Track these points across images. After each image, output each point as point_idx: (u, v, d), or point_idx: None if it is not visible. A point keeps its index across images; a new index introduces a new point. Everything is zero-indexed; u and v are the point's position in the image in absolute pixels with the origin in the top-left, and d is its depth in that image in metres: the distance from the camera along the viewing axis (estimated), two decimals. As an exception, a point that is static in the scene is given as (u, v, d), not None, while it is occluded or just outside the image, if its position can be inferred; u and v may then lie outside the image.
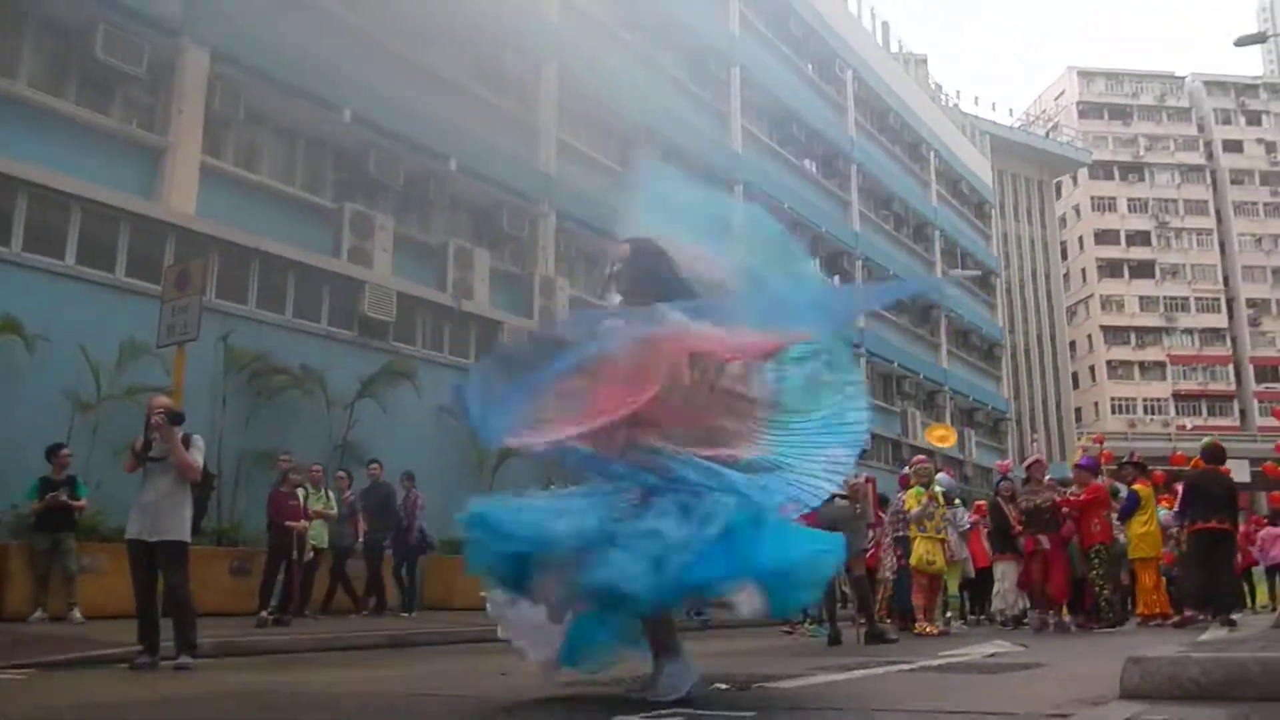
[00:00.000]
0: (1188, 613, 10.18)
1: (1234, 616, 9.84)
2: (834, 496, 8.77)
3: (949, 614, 10.92)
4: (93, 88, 12.92)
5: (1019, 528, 10.61)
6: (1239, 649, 3.19)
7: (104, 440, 10.73)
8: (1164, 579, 11.44)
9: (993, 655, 6.37)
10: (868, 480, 9.20)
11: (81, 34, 12.55)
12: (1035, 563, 10.10)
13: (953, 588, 11.27)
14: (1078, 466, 10.81)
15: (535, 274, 18.16)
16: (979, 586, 12.42)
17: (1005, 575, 11.16)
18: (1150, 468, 12.79)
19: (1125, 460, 12.11)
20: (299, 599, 10.34)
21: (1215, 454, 10.32)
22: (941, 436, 11.11)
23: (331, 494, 11.39)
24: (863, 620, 8.55)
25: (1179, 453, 16.46)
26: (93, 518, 10.07)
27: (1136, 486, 10.92)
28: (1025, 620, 11.00)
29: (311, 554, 10.45)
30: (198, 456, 6.54)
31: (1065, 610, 10.53)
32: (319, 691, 4.95)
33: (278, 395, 12.87)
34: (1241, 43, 21.88)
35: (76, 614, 9.22)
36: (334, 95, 15.23)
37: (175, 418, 6.52)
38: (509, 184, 18.06)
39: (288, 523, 10.13)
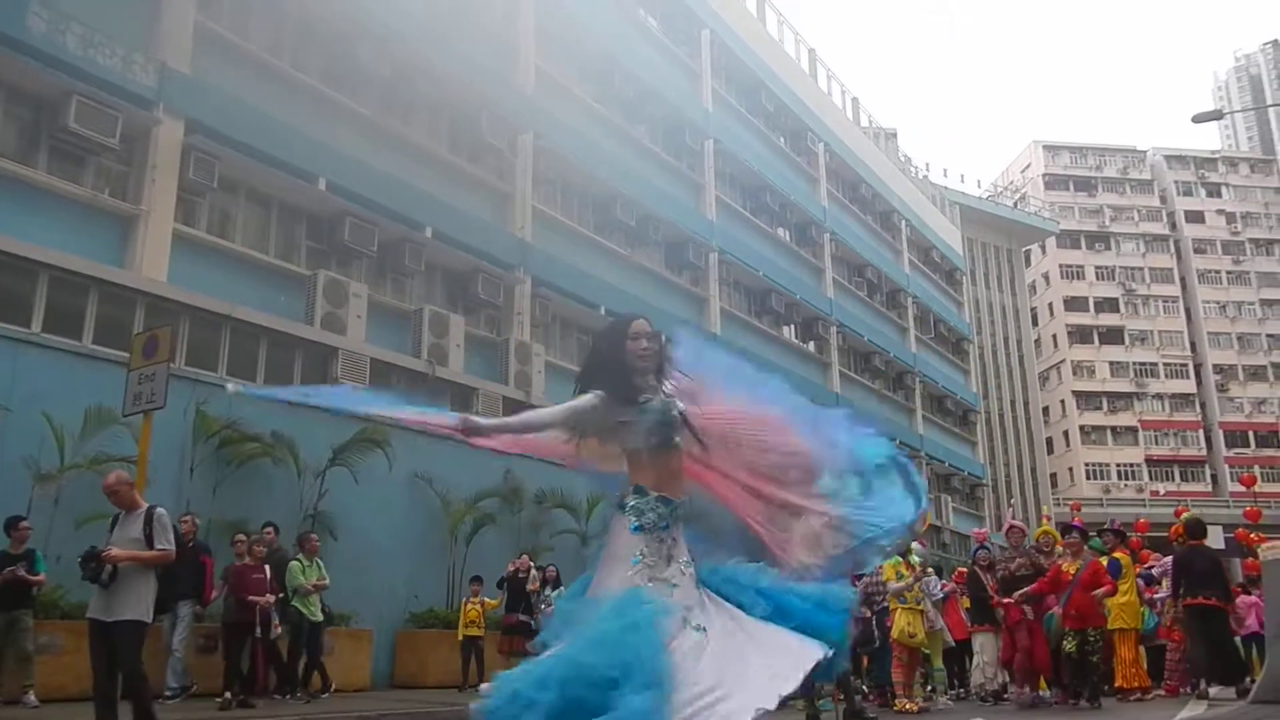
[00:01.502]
0: (1202, 686, 10.28)
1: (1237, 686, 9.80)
2: None
3: (932, 688, 10.65)
4: (64, 157, 12.87)
5: (996, 597, 10.48)
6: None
7: (66, 511, 10.46)
8: (1142, 651, 11.26)
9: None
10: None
11: (54, 105, 12.53)
12: (1020, 633, 9.91)
13: (936, 660, 10.97)
14: (1071, 529, 10.33)
15: (510, 340, 18.10)
16: (955, 658, 12.20)
17: (984, 648, 10.86)
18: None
19: (1105, 527, 12.03)
20: (267, 677, 9.99)
21: (1197, 529, 10.69)
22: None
23: (322, 565, 11.06)
24: (841, 697, 8.34)
25: (1142, 520, 16.43)
26: (52, 593, 9.71)
27: (1117, 555, 10.84)
28: (1005, 695, 10.77)
29: (279, 630, 10.11)
30: (164, 540, 6.32)
31: (1044, 684, 10.36)
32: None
33: (248, 463, 12.61)
34: (1199, 119, 22.44)
35: (31, 697, 8.79)
36: (308, 164, 15.27)
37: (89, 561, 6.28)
38: (484, 250, 18.10)
39: (251, 598, 9.81)
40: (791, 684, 3.27)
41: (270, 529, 11.09)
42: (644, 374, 3.71)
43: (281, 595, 10.56)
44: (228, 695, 9.30)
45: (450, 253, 17.55)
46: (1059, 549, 10.53)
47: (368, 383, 14.77)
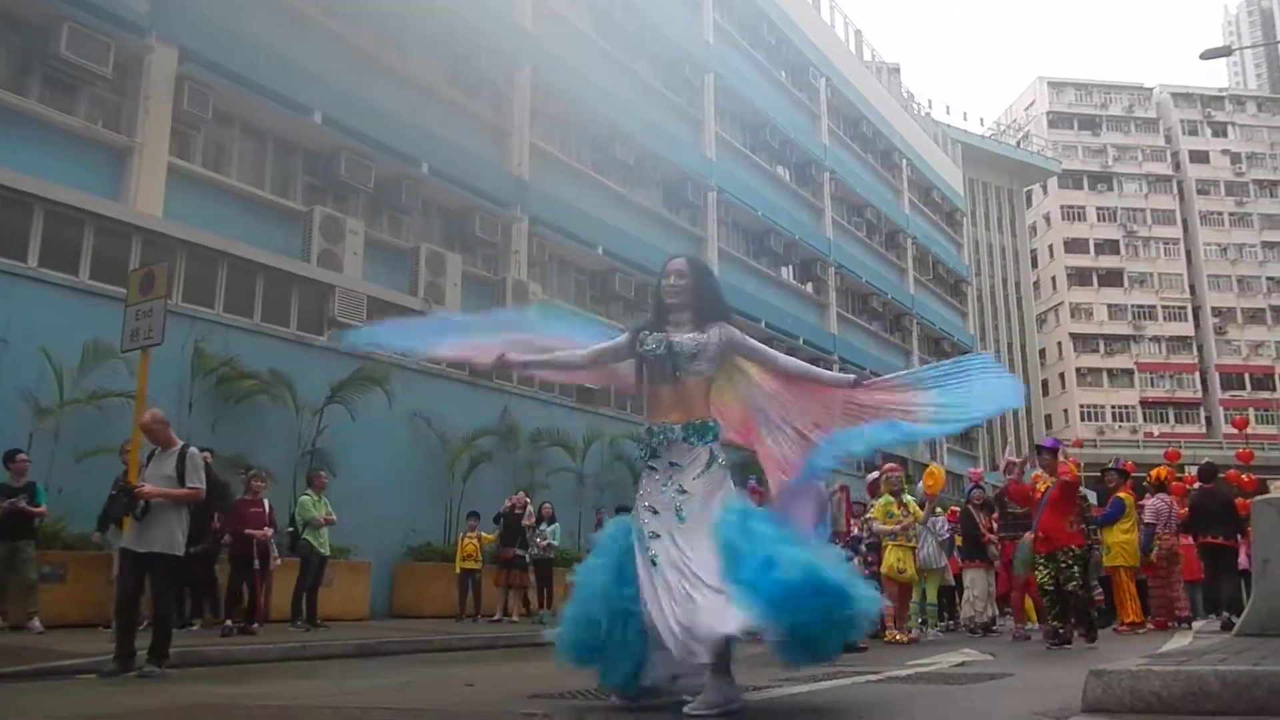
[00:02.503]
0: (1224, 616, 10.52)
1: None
2: None
3: (924, 621, 10.88)
4: (57, 87, 12.73)
5: (990, 535, 10.65)
6: (1199, 661, 3.20)
7: (66, 445, 10.60)
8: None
9: (960, 665, 6.38)
10: (841, 488, 9.19)
11: (45, 31, 12.36)
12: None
13: (931, 595, 11.21)
14: (1040, 449, 9.57)
15: (508, 279, 18.09)
16: (945, 592, 12.48)
17: (975, 583, 11.21)
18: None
19: (1110, 466, 12.16)
20: (266, 606, 10.20)
21: (1208, 473, 11.56)
22: (932, 484, 11.08)
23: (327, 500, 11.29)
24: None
25: (1128, 462, 16.61)
26: (54, 524, 9.91)
27: (1121, 494, 11.00)
28: (994, 628, 11.05)
29: (278, 562, 10.31)
30: (196, 479, 6.47)
31: (1033, 616, 10.60)
32: (280, 706, 4.87)
33: (245, 400, 12.71)
34: (1207, 55, 22.16)
35: (36, 623, 9.02)
36: (305, 96, 15.11)
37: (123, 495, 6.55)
38: (481, 188, 18.00)
39: (248, 531, 9.98)
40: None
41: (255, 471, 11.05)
42: (677, 310, 4.07)
43: (291, 529, 10.83)
44: (229, 623, 9.52)
45: (447, 190, 17.46)
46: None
47: (364, 321, 14.79)
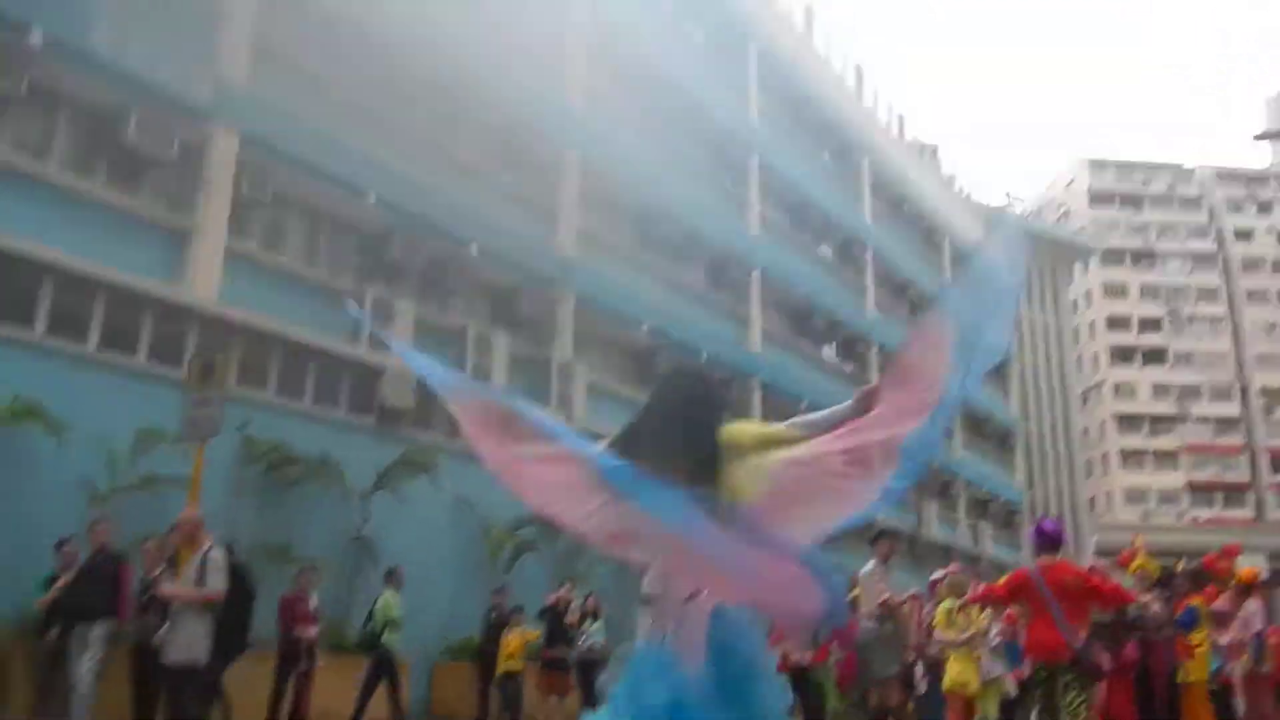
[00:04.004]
0: None
1: None
2: (867, 617, 8.45)
3: None
4: (122, 171, 12.99)
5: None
6: None
7: (117, 532, 10.52)
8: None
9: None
10: (913, 598, 8.74)
11: (113, 118, 12.64)
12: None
13: (990, 710, 10.50)
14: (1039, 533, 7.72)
15: (553, 359, 18.05)
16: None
17: None
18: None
19: (1179, 571, 11.58)
20: (308, 710, 9.96)
21: None
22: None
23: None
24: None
25: (1216, 557, 15.98)
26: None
27: (1194, 601, 10.49)
28: None
29: (320, 663, 10.08)
30: (216, 580, 6.31)
31: None
32: None
33: (294, 486, 12.65)
34: (1263, 137, 21.97)
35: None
36: (358, 178, 15.31)
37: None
38: (528, 266, 18.07)
39: (296, 631, 9.77)
40: None
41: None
42: None
43: (371, 626, 10.51)
44: (272, 727, 9.30)
45: (495, 270, 17.54)
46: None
47: (412, 404, 14.76)
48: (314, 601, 10.17)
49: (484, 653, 12.61)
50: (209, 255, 13.30)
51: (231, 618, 6.98)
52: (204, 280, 13.15)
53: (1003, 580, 8.22)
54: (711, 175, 24.52)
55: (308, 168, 14.70)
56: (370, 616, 10.75)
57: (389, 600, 10.76)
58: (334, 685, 10.66)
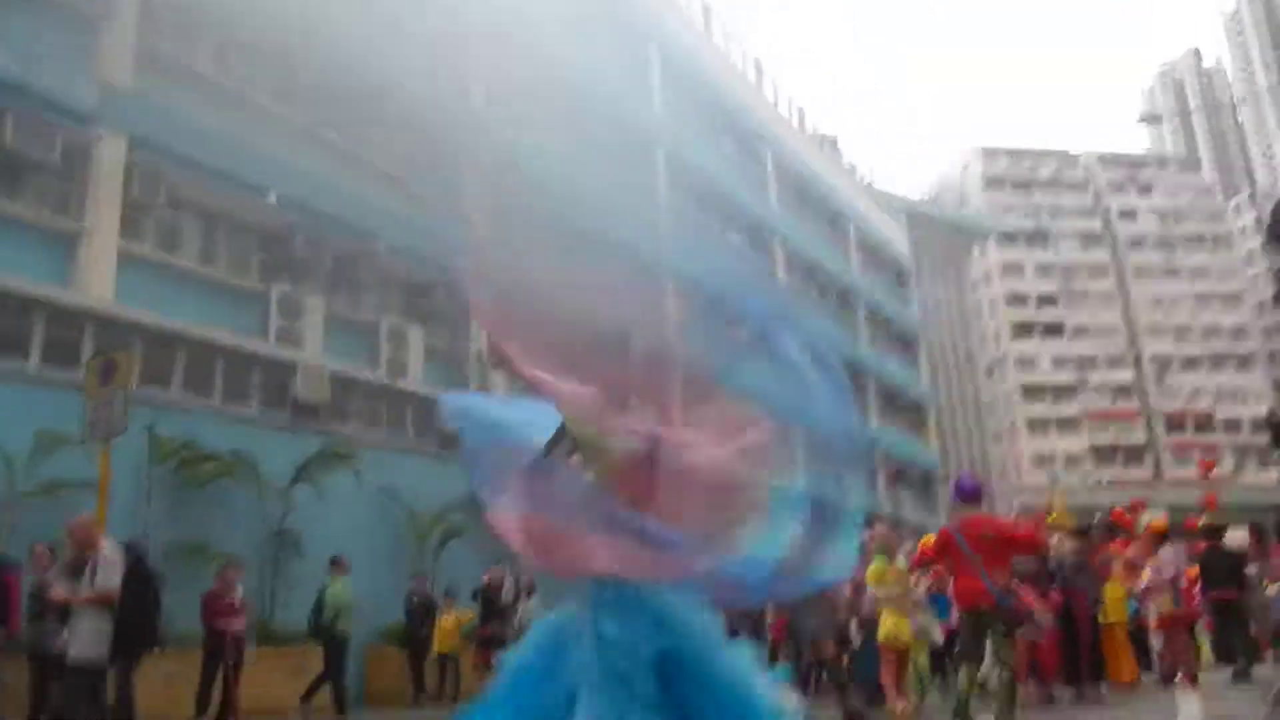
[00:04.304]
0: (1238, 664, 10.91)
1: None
2: None
3: (923, 689, 10.47)
4: (2, 175, 12.41)
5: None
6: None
7: (21, 539, 10.03)
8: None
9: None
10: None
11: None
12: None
13: (921, 659, 10.66)
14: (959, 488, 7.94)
15: (470, 350, 17.86)
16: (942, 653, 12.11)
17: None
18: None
19: (1093, 524, 12.13)
20: (238, 706, 9.63)
21: (1214, 531, 11.80)
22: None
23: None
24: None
25: (1121, 510, 16.71)
26: None
27: (1112, 548, 10.96)
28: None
29: (248, 655, 9.76)
30: (108, 578, 6.12)
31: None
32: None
33: (208, 484, 12.24)
34: (1145, 120, 23.04)
35: None
36: (258, 177, 14.93)
37: None
38: (442, 261, 17.81)
39: (220, 625, 9.47)
40: None
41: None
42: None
43: (322, 615, 10.60)
44: (199, 722, 9.00)
45: (405, 264, 17.27)
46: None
47: (328, 398, 14.44)
48: (239, 595, 9.85)
49: (410, 637, 12.51)
50: (101, 257, 12.79)
51: (133, 615, 6.73)
52: (97, 282, 12.65)
53: (930, 540, 8.43)
54: (619, 170, 24.54)
55: (202, 169, 14.27)
56: (319, 606, 10.75)
57: (338, 588, 10.80)
58: (263, 677, 10.37)
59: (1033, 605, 8.54)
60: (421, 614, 12.48)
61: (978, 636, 7.10)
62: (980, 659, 7.07)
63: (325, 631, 10.60)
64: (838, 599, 8.93)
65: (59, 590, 6.29)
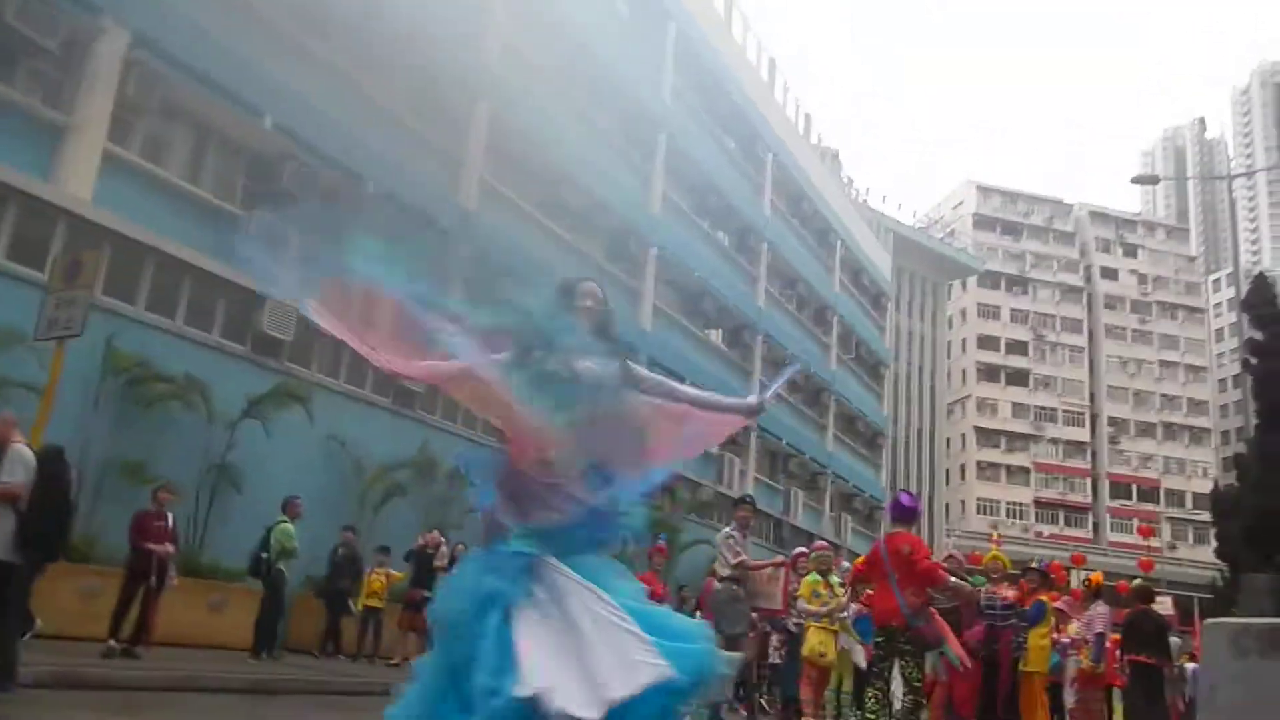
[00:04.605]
0: None
1: None
2: (720, 578, 8.59)
3: (838, 711, 10.59)
4: (-3, 54, 12.07)
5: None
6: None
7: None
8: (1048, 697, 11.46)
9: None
10: (782, 564, 8.92)
11: (-9, -4, 11.72)
12: (941, 666, 9.93)
13: (846, 682, 10.77)
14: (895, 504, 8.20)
15: (448, 306, 17.62)
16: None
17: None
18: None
19: (1030, 566, 12.18)
20: (155, 628, 9.50)
21: (1146, 594, 11.55)
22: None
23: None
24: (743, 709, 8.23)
25: (1054, 562, 16.91)
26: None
27: (1042, 597, 11.03)
28: None
29: (174, 582, 9.63)
30: (13, 473, 6.00)
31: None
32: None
33: (156, 405, 12.02)
34: (1138, 181, 23.26)
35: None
36: (258, 99, 14.63)
37: None
38: (427, 214, 17.63)
39: (150, 545, 9.33)
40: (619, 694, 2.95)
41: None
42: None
43: (264, 555, 10.70)
44: (112, 642, 8.84)
45: (390, 211, 17.02)
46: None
47: (292, 336, 14.23)
48: (170, 520, 9.69)
49: (330, 589, 12.46)
50: (85, 155, 12.47)
51: (38, 517, 6.55)
52: (78, 180, 12.33)
53: (861, 560, 8.50)
54: (620, 148, 24.43)
55: (203, 78, 13.94)
56: (265, 544, 10.86)
57: (286, 529, 10.92)
58: (182, 608, 10.23)
59: (945, 633, 8.67)
60: (345, 567, 12.36)
61: (888, 656, 7.16)
62: (887, 679, 7.13)
63: (264, 571, 10.76)
64: (754, 599, 8.96)
65: None
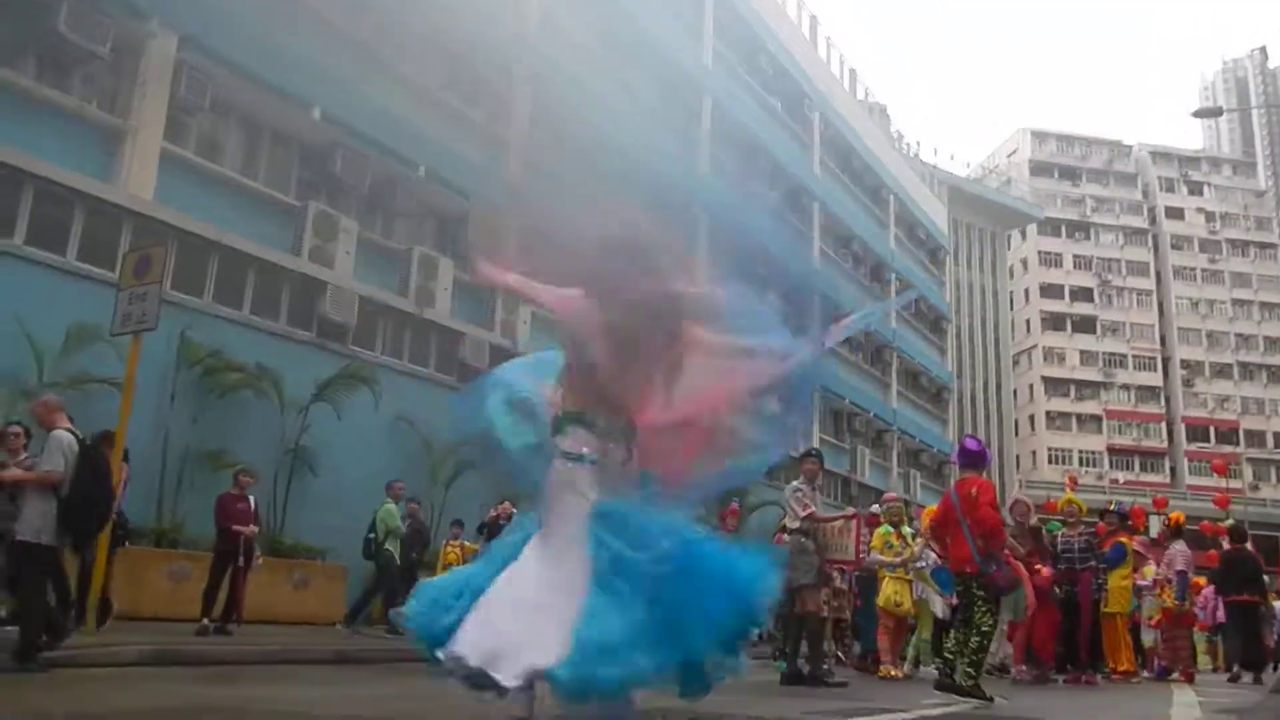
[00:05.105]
0: (1234, 669, 11.41)
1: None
2: (785, 529, 8.57)
3: (917, 657, 10.53)
4: (52, 64, 12.40)
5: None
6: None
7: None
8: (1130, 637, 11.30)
9: (978, 707, 6.18)
10: (853, 516, 8.88)
11: (44, 8, 12.03)
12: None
13: (924, 631, 10.67)
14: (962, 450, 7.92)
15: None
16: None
17: None
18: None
19: (1108, 509, 11.98)
20: (244, 606, 9.83)
21: (1240, 534, 11.85)
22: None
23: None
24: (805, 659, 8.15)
25: (1135, 505, 16.59)
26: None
27: (1122, 539, 10.89)
28: (1008, 670, 10.50)
29: (260, 561, 9.95)
30: (51, 461, 6.24)
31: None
32: (263, 710, 4.60)
33: (230, 394, 12.37)
34: (1200, 114, 22.52)
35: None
36: (305, 91, 14.84)
37: None
38: (476, 193, 17.75)
39: (235, 527, 9.63)
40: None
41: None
42: None
43: (371, 535, 11.23)
44: (206, 621, 9.17)
45: (442, 194, 17.20)
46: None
47: (355, 320, 14.49)
48: (252, 502, 9.99)
49: (399, 562, 12.45)
50: (144, 155, 12.81)
51: (79, 500, 6.76)
52: (138, 181, 12.68)
53: (932, 509, 8.45)
54: (663, 115, 24.29)
55: (250, 75, 14.19)
56: (372, 526, 11.37)
57: (390, 510, 11.39)
58: (267, 587, 10.57)
59: (1020, 576, 8.58)
60: (413, 540, 12.48)
61: (966, 603, 7.11)
62: (968, 625, 7.07)
63: (376, 550, 11.29)
64: (824, 550, 8.87)
65: (7, 472, 6.51)
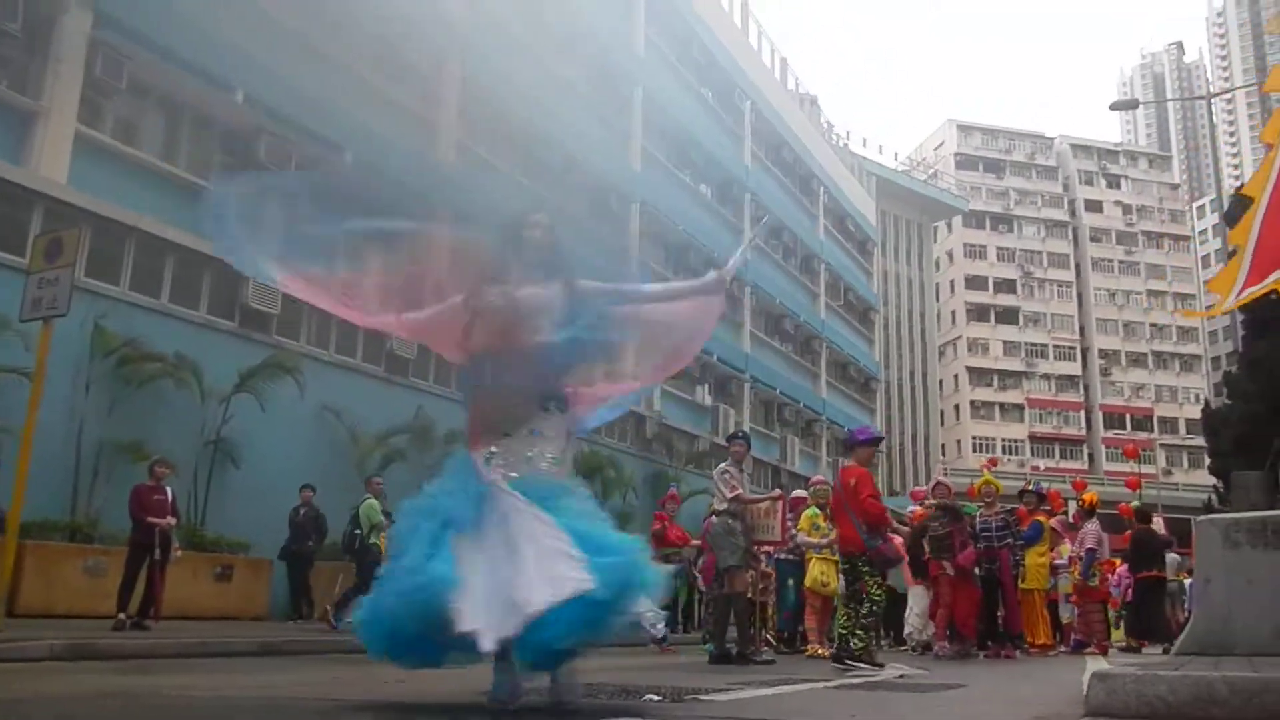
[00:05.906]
0: (1133, 642, 11.89)
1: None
2: (714, 512, 8.68)
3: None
4: (-43, 41, 11.89)
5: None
6: (1193, 668, 3.16)
7: (-53, 421, 9.81)
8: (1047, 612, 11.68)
9: (903, 676, 6.33)
10: (779, 497, 9.00)
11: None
12: (940, 588, 10.13)
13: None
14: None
15: (429, 274, 17.57)
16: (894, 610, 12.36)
17: (917, 600, 11.15)
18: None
19: (1026, 489, 12.41)
20: (161, 600, 9.56)
21: (1145, 515, 12.96)
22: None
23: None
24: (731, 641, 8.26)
25: (1052, 488, 17.13)
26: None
27: (1039, 517, 11.25)
28: (930, 647, 10.76)
29: (178, 554, 9.69)
30: None
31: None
32: (209, 697, 4.50)
33: (148, 384, 12.01)
34: (1116, 106, 23.17)
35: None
36: (227, 72, 14.47)
37: None
38: (405, 180, 17.49)
39: (151, 519, 9.36)
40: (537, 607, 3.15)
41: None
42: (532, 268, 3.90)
43: (357, 531, 11.31)
44: (122, 616, 8.91)
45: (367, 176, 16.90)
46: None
47: (279, 310, 14.19)
48: (169, 494, 9.72)
49: (291, 551, 12.25)
50: (57, 138, 12.35)
51: None
52: (51, 164, 12.22)
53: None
54: (595, 104, 24.23)
55: (170, 56, 13.77)
56: (354, 521, 11.47)
57: (372, 505, 11.45)
58: (187, 581, 10.31)
59: (900, 550, 9.34)
60: (306, 527, 12.20)
61: (854, 580, 7.51)
62: (860, 600, 7.32)
63: (360, 546, 11.32)
64: (751, 531, 8.99)
65: None
